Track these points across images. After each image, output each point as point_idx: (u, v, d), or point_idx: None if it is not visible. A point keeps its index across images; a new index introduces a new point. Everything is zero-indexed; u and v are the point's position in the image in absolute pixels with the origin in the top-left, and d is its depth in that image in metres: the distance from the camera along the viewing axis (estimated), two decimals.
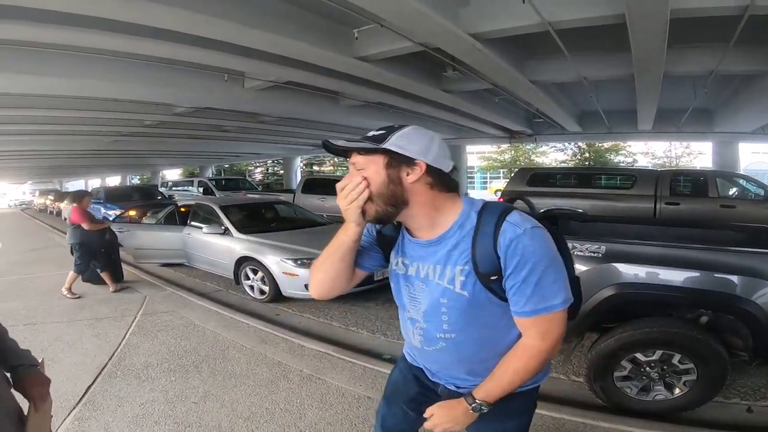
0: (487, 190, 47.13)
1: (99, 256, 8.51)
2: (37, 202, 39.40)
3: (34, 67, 8.98)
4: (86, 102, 12.74)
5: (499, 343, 1.85)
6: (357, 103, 15.62)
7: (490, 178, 55.01)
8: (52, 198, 33.12)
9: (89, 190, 12.95)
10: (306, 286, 7.20)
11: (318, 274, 1.98)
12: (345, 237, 1.86)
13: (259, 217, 10.02)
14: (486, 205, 1.78)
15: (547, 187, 13.62)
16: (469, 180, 35.15)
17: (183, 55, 8.90)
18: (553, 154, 42.38)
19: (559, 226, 5.73)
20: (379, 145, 1.71)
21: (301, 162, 39.93)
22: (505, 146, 39.71)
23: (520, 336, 1.80)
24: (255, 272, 8.05)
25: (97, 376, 4.94)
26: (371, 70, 10.00)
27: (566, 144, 37.21)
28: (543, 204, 11.90)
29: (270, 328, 6.34)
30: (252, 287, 8.11)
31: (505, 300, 1.73)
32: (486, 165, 48.38)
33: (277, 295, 7.75)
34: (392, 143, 1.70)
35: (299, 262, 7.49)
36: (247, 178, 40.90)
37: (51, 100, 12.14)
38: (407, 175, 1.70)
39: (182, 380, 4.78)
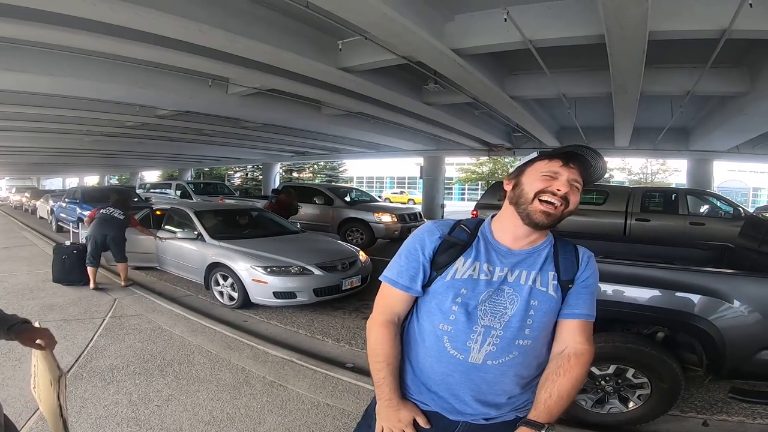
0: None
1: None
2: (13, 199, 38.91)
3: (14, 63, 9.01)
4: (68, 101, 12.79)
5: (544, 356, 1.95)
6: (339, 112, 15.72)
7: (468, 189, 55.31)
8: (28, 195, 32.43)
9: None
10: (274, 294, 7.30)
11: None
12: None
13: (233, 224, 10.00)
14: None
15: None
16: (446, 191, 35.15)
17: (168, 59, 8.97)
18: None
19: None
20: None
21: (280, 168, 39.90)
22: (483, 158, 39.99)
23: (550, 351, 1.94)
24: (225, 278, 8.04)
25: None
26: (353, 81, 10.09)
27: None
28: None
29: (236, 334, 6.35)
30: (221, 293, 8.10)
31: None
32: (464, 177, 48.70)
33: (245, 302, 7.76)
34: None
35: (269, 269, 7.54)
36: (227, 182, 40.79)
37: (31, 97, 12.21)
38: None
39: (146, 383, 4.78)
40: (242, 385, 4.75)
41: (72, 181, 66.51)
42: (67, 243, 9.70)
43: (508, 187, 1.95)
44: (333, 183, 41.26)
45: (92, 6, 6.24)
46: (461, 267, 1.87)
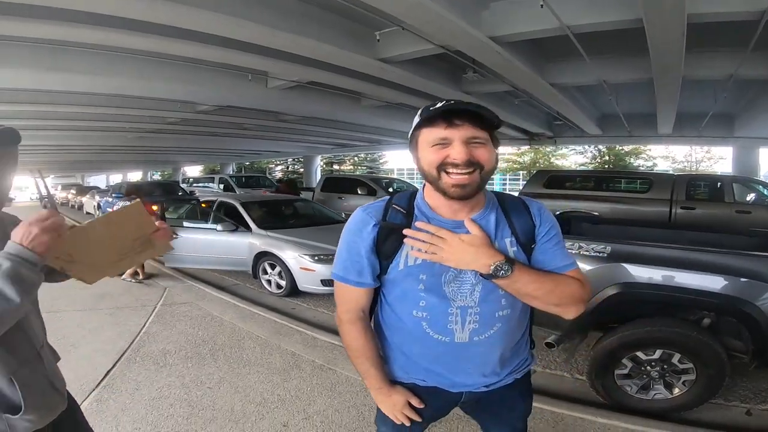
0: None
1: None
2: (59, 196, 39.81)
3: (58, 63, 9.22)
4: (111, 99, 13.05)
5: (525, 323, 2.01)
6: (378, 103, 15.72)
7: (510, 179, 54.69)
8: (74, 192, 33.84)
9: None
10: (321, 281, 7.37)
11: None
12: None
13: (278, 214, 10.14)
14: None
15: (565, 189, 13.53)
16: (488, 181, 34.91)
17: (208, 55, 9.12)
18: (573, 157, 42.05)
19: (571, 228, 5.84)
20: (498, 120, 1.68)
21: (321, 160, 40.01)
22: (524, 148, 39.52)
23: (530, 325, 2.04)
24: (273, 267, 8.19)
25: (116, 362, 5.13)
26: (392, 72, 10.10)
27: (586, 147, 36.85)
28: (559, 206, 11.82)
29: (285, 320, 6.49)
30: (269, 281, 8.27)
31: None
32: (505, 167, 48.12)
33: (293, 290, 7.91)
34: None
35: (316, 257, 7.63)
36: (268, 175, 41.05)
37: (76, 96, 12.46)
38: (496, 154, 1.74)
39: (198, 367, 4.94)
40: (292, 369, 4.87)
41: (115, 178, 67.68)
42: None
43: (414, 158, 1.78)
44: (374, 174, 41.08)
45: (133, 6, 6.44)
46: (411, 251, 1.77)
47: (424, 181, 1.80)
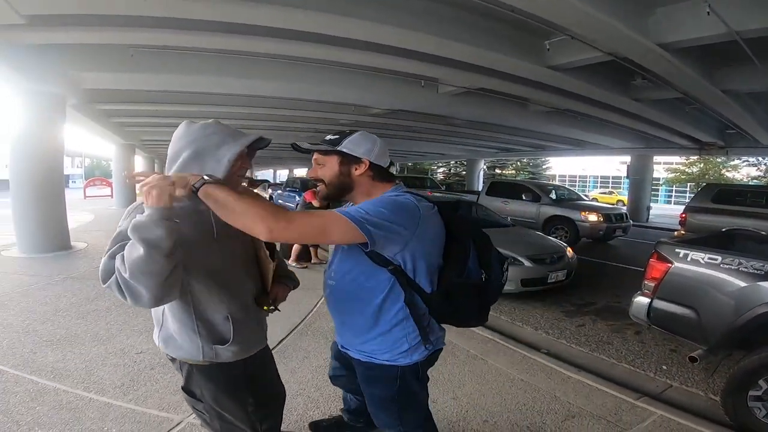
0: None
1: None
2: None
3: (243, 71, 10.56)
4: (290, 102, 14.17)
5: (363, 305, 2.41)
6: (545, 109, 15.77)
7: (676, 191, 51.56)
8: (245, 185, 36.14)
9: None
10: None
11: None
12: None
13: None
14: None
15: (734, 205, 12.74)
16: (653, 193, 33.09)
17: (384, 64, 9.78)
18: (746, 169, 39.80)
19: (736, 245, 5.73)
20: (335, 147, 2.32)
21: (484, 164, 40.11)
22: (693, 158, 37.52)
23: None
24: None
25: (289, 333, 5.81)
26: (560, 79, 10.26)
27: (760, 158, 34.66)
28: (727, 223, 10.98)
29: None
30: None
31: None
32: (672, 177, 45.66)
33: None
34: (345, 146, 2.31)
35: None
36: (430, 176, 41.58)
37: (258, 99, 13.70)
38: (355, 169, 2.33)
39: None
40: (448, 356, 5.14)
41: (282, 173, 71.38)
42: None
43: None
44: (536, 180, 40.48)
45: (313, 21, 7.25)
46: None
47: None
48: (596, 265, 11.98)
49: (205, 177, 1.94)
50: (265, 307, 2.36)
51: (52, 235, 10.95)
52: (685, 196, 44.63)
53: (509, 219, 11.87)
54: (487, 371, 4.95)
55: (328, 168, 2.38)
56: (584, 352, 5.95)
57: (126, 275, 1.72)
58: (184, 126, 2.08)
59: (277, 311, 2.41)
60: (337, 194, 2.40)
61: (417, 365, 2.42)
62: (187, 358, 2.13)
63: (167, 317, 2.13)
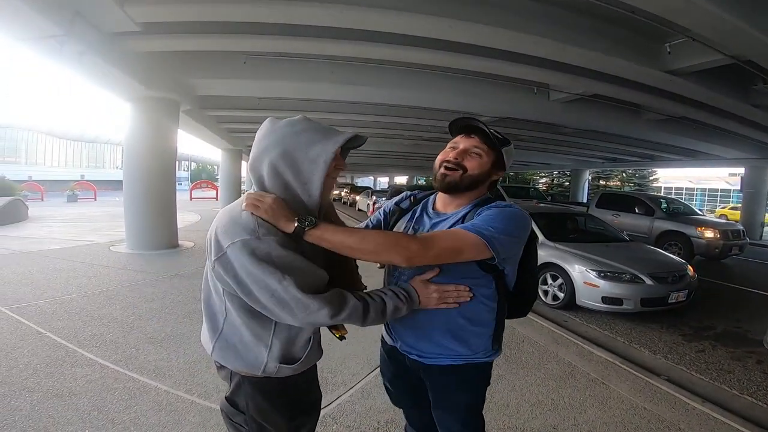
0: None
1: None
2: (333, 193, 45.05)
3: (353, 78, 10.59)
4: (398, 109, 14.16)
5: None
6: (659, 117, 15.14)
7: None
8: (347, 191, 38.94)
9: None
10: (602, 299, 7.38)
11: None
12: None
13: (564, 227, 10.14)
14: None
15: None
16: None
17: (494, 69, 9.60)
18: None
19: None
20: (504, 147, 2.20)
21: (588, 175, 39.18)
22: None
23: None
24: (555, 278, 8.26)
25: None
26: (679, 84, 9.87)
27: None
28: None
29: (561, 330, 6.58)
30: (546, 292, 8.33)
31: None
32: None
33: (570, 303, 7.92)
34: (506, 151, 2.20)
35: (602, 274, 7.60)
36: (534, 187, 41.01)
37: (366, 106, 13.84)
38: (496, 175, 2.26)
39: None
40: (568, 378, 4.97)
41: (382, 180, 72.21)
42: None
43: None
44: (645, 192, 38.99)
45: (425, 25, 7.17)
46: (401, 226, 2.35)
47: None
48: (712, 285, 11.31)
49: (299, 221, 1.81)
50: (338, 334, 2.20)
51: (161, 233, 11.43)
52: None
53: (625, 234, 11.31)
54: (609, 397, 4.65)
55: (483, 161, 2.20)
56: (705, 381, 5.57)
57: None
58: (268, 123, 1.92)
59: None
60: (466, 188, 2.20)
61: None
62: (244, 370, 2.00)
63: (231, 326, 2.00)
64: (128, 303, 6.70)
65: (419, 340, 2.26)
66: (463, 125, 2.24)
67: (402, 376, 2.46)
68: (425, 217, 2.32)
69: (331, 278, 1.96)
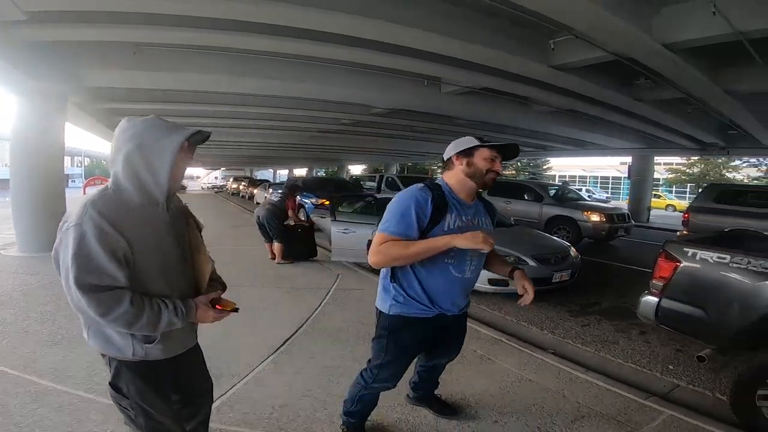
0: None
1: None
2: (230, 187, 45.60)
3: (254, 71, 10.62)
4: (296, 101, 14.21)
5: None
6: (548, 109, 15.86)
7: (676, 191, 51.04)
8: (245, 184, 38.79)
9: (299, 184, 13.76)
10: (489, 280, 7.57)
11: (393, 261, 2.90)
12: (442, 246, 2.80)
13: None
14: None
15: (736, 205, 12.72)
16: (654, 195, 33.14)
17: (387, 62, 9.77)
18: (747, 169, 40.05)
19: (743, 244, 5.64)
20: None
21: None
22: (694, 158, 37.58)
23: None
24: None
25: (294, 333, 5.84)
26: (564, 78, 10.31)
27: (761, 159, 34.68)
28: (729, 223, 10.78)
29: None
30: None
31: None
32: (672, 178, 45.57)
33: None
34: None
35: None
36: (432, 177, 41.51)
37: (266, 99, 13.77)
38: None
39: (370, 345, 5.41)
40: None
41: (282, 173, 71.47)
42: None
43: (459, 163, 2.95)
44: (537, 180, 40.43)
45: (325, 20, 7.34)
46: (451, 220, 2.91)
47: (446, 177, 3.07)
48: (599, 265, 11.98)
49: None
50: (230, 308, 2.41)
51: (53, 234, 10.74)
52: (685, 197, 44.68)
53: (512, 219, 11.78)
54: (495, 371, 4.96)
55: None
56: (590, 352, 5.94)
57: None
58: (125, 122, 2.14)
59: (235, 312, 2.43)
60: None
61: None
62: (118, 355, 2.17)
63: None
64: (21, 307, 6.48)
65: (465, 299, 3.23)
66: (507, 146, 2.97)
67: (434, 332, 3.20)
68: (463, 209, 3.00)
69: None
